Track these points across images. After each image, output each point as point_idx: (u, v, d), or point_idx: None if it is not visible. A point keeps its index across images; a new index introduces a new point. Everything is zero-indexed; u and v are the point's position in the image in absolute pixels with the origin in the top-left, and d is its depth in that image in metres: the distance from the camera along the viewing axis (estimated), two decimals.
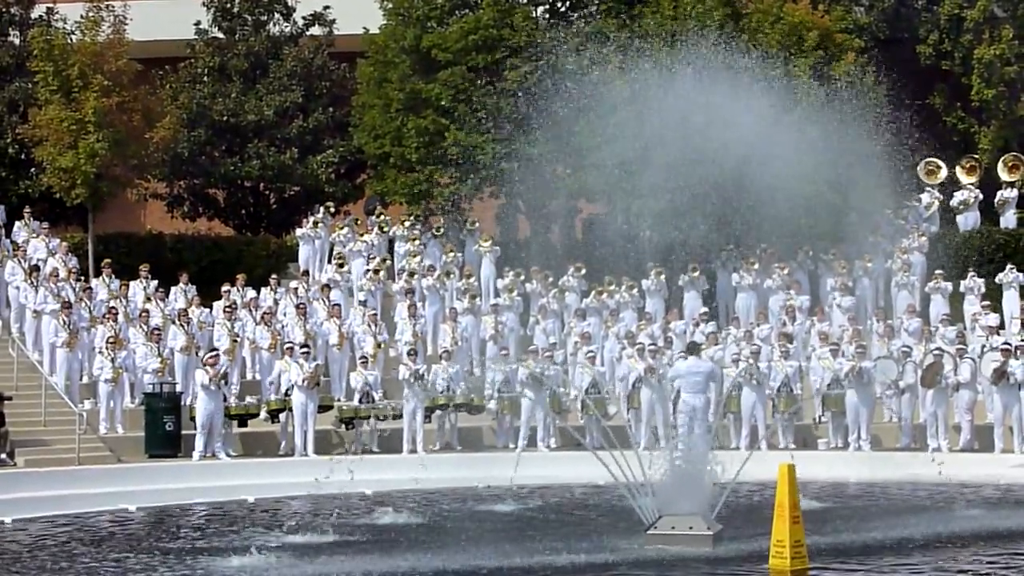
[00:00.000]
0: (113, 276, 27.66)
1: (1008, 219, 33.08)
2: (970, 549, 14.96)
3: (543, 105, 28.84)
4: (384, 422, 24.78)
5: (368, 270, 29.66)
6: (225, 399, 23.87)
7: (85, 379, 25.37)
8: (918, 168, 33.16)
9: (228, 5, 36.35)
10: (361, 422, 24.71)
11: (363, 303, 28.16)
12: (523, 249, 31.72)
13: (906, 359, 24.89)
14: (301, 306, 27.09)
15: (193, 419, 23.75)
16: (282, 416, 24.56)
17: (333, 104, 35.98)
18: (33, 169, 32.14)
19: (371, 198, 35.19)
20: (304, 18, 36.98)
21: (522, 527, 17.17)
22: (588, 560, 14.22)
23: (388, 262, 30.57)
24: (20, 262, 27.24)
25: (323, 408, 24.63)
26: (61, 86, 29.91)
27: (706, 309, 28.82)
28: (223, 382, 23.77)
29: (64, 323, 25.12)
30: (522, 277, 29.64)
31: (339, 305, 27.72)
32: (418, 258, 30.22)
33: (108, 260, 28.51)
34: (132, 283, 27.54)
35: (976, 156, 35.00)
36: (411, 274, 29.40)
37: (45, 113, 30.04)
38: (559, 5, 33.98)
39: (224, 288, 27.82)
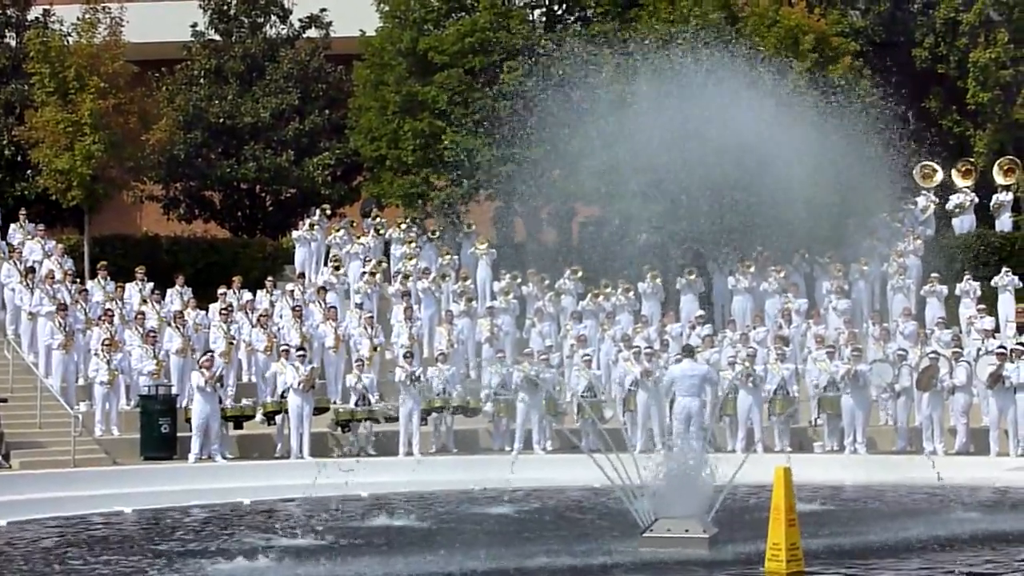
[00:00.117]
0: (108, 278, 27.62)
1: (1004, 222, 33.12)
2: (966, 552, 14.96)
3: (539, 108, 28.84)
4: (380, 424, 24.78)
5: (364, 273, 29.65)
6: (221, 401, 23.86)
7: (81, 381, 25.35)
8: (914, 171, 33.20)
9: (225, 7, 36.37)
10: (357, 424, 24.70)
11: (359, 306, 28.16)
12: (519, 252, 31.71)
13: (902, 362, 24.91)
14: (297, 308, 27.08)
15: (188, 421, 23.74)
16: (278, 418, 24.55)
17: (329, 106, 36.00)
18: (29, 171, 32.15)
19: (366, 200, 35.17)
20: (300, 20, 36.99)
21: (518, 530, 17.16)
22: (584, 563, 14.22)
23: (384, 265, 30.57)
24: (16, 264, 27.20)
25: (319, 410, 24.63)
26: (57, 88, 29.91)
27: (702, 312, 28.83)
28: (218, 384, 23.76)
29: (60, 325, 25.09)
30: (518, 280, 29.64)
31: (335, 307, 27.72)
32: (414, 261, 30.21)
33: (104, 262, 28.47)
34: (128, 285, 27.50)
35: (972, 159, 35.05)
36: (406, 277, 29.39)
37: (41, 115, 30.02)
38: (555, 8, 34.00)
39: (220, 290, 27.82)
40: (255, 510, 19.74)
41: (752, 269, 29.74)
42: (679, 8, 31.54)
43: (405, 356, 25.47)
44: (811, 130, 24.45)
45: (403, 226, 31.56)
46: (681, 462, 15.72)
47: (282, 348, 25.21)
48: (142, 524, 18.39)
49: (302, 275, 29.75)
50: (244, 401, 24.69)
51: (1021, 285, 28.92)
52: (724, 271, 30.35)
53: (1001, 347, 24.49)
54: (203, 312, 27.13)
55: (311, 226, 31.18)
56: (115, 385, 24.57)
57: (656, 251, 30.11)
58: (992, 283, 29.04)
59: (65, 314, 25.24)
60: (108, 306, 26.15)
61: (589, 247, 32.07)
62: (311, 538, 16.36)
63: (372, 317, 27.56)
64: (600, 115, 28.65)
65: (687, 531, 14.70)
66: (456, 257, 31.19)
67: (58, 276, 26.73)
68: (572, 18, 33.92)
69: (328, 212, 32.28)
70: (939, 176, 33.91)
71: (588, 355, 26.22)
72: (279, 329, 26.77)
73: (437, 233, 31.85)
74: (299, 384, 24.02)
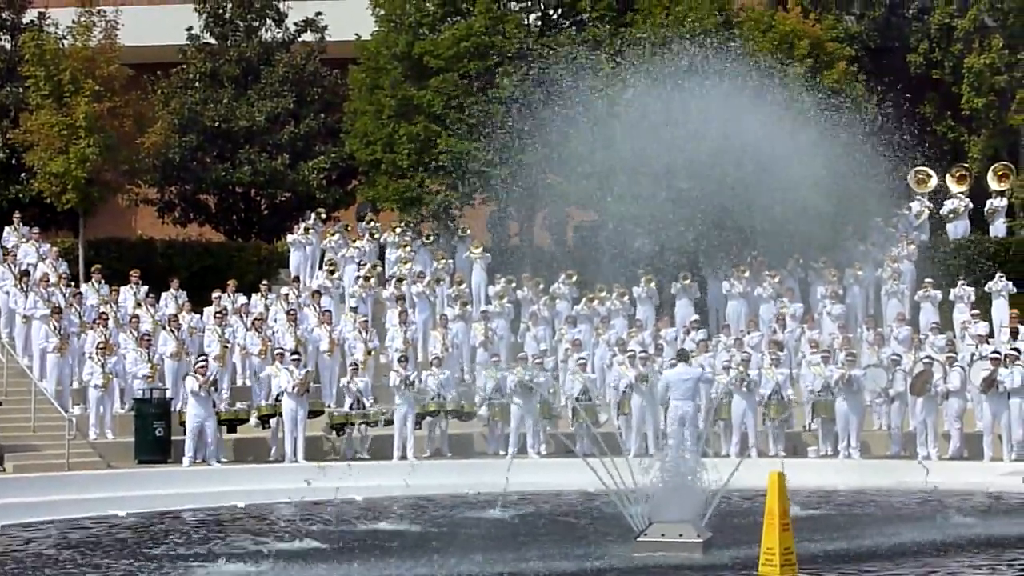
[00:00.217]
0: (103, 281, 27.61)
1: (998, 228, 33.15)
2: (960, 557, 14.98)
3: (535, 112, 28.87)
4: (374, 428, 24.77)
5: (359, 276, 29.64)
6: (215, 405, 23.85)
7: (75, 384, 25.32)
8: (908, 177, 33.22)
9: (220, 11, 36.33)
10: (352, 428, 24.69)
11: (354, 309, 28.15)
12: (514, 256, 31.72)
13: (896, 367, 24.93)
14: (292, 312, 27.08)
15: (183, 425, 23.72)
16: (272, 422, 24.54)
17: (325, 110, 35.97)
18: (24, 174, 32.09)
19: (361, 204, 35.18)
20: (296, 24, 36.95)
21: (512, 534, 17.16)
22: (578, 567, 14.24)
23: (379, 269, 30.56)
24: (10, 267, 27.18)
25: (314, 413, 24.62)
26: (52, 91, 29.89)
27: (696, 317, 28.85)
28: (213, 388, 23.75)
29: (55, 328, 25.08)
30: (513, 284, 29.65)
31: (330, 311, 27.70)
32: (408, 265, 30.21)
33: (98, 265, 28.46)
34: (122, 289, 27.49)
35: (966, 165, 35.10)
36: (400, 280, 29.39)
37: (36, 118, 30.01)
38: (551, 13, 34.01)
39: (215, 294, 27.80)
40: (249, 514, 19.73)
41: (747, 274, 29.76)
42: (674, 13, 31.56)
43: (399, 360, 25.47)
44: (806, 135, 24.51)
45: (398, 230, 31.56)
46: (675, 466, 15.73)
47: (276, 352, 25.20)
48: (135, 528, 18.37)
49: (297, 279, 29.73)
50: (238, 405, 24.68)
51: (1015, 290, 28.95)
52: (719, 276, 30.35)
53: (995, 352, 24.51)
54: (198, 316, 27.10)
55: (306, 230, 31.18)
56: (109, 388, 24.55)
57: (651, 256, 30.11)
58: (986, 288, 29.07)
59: (60, 317, 25.22)
60: (103, 309, 26.12)
61: (584, 251, 32.10)
62: (305, 542, 16.35)
63: (367, 321, 27.55)
64: (595, 119, 28.68)
65: (681, 535, 14.73)
66: (451, 261, 31.19)
67: (53, 279, 26.70)
68: (567, 22, 33.91)
69: (323, 216, 32.27)
70: (933, 181, 33.94)
71: (583, 359, 26.21)
72: (274, 333, 26.75)
73: (431, 237, 31.85)
74: (293, 388, 24.02)
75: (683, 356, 22.22)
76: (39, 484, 21.26)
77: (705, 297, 30.36)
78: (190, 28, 36.25)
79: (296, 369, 24.31)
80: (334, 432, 24.79)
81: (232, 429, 24.48)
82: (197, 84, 35.59)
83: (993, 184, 33.95)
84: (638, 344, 26.56)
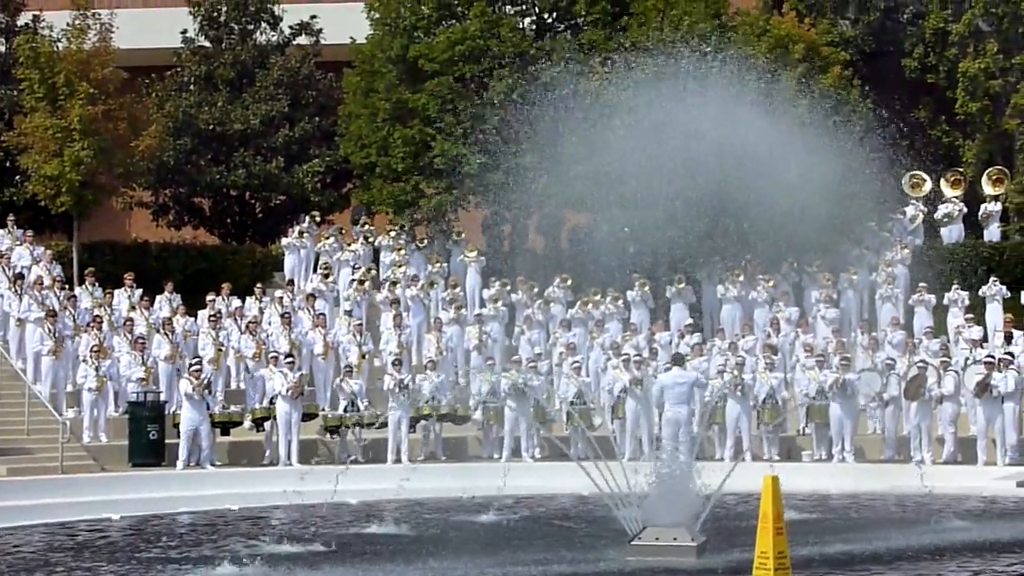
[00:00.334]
0: (96, 284, 27.61)
1: (992, 232, 33.19)
2: (954, 561, 14.98)
3: (529, 116, 28.87)
4: (368, 431, 24.75)
5: (353, 280, 29.63)
6: (209, 408, 23.82)
7: (69, 388, 25.30)
8: (903, 181, 33.26)
9: (215, 14, 36.32)
10: (346, 431, 24.68)
11: (348, 313, 28.14)
12: (509, 259, 31.71)
13: (890, 371, 24.93)
14: (286, 315, 27.06)
15: (177, 428, 23.71)
16: (267, 425, 24.53)
17: (319, 113, 35.97)
18: (18, 177, 32.07)
19: (356, 208, 35.19)
20: (291, 27, 36.96)
21: (506, 537, 17.15)
22: (572, 571, 14.22)
23: (373, 272, 30.55)
24: (4, 270, 27.16)
25: (308, 416, 24.60)
26: (47, 94, 29.87)
27: (691, 320, 28.85)
28: (207, 391, 23.72)
29: (49, 331, 25.05)
30: (507, 287, 29.65)
31: (324, 315, 27.69)
32: (403, 268, 30.20)
33: (91, 268, 28.44)
34: (117, 291, 27.49)
35: (961, 169, 35.13)
36: (394, 284, 29.38)
37: (30, 120, 29.99)
38: (546, 16, 34.01)
39: (209, 297, 27.77)
40: (243, 517, 19.71)
41: (741, 278, 29.77)
42: (669, 17, 31.57)
43: (394, 363, 25.46)
44: (800, 139, 24.52)
45: (392, 233, 31.55)
46: (669, 470, 15.72)
47: (271, 355, 25.19)
48: (128, 531, 18.34)
49: (291, 282, 29.71)
50: (232, 408, 24.66)
51: (1009, 295, 28.96)
52: (713, 280, 30.36)
53: (989, 356, 24.52)
54: (192, 319, 27.11)
55: (300, 233, 31.16)
56: (103, 392, 24.55)
57: (645, 259, 30.12)
58: (980, 293, 29.09)
59: (55, 320, 25.20)
60: (97, 312, 26.10)
61: (578, 255, 32.10)
62: (298, 545, 16.32)
63: (361, 324, 27.55)
64: (589, 123, 28.69)
65: (675, 539, 14.70)
66: (445, 264, 31.18)
67: (47, 282, 26.69)
68: (562, 26, 33.91)
69: (318, 219, 32.25)
70: (928, 186, 33.98)
71: (577, 363, 26.22)
72: (268, 336, 26.74)
73: (425, 241, 31.84)
74: (287, 391, 24.01)
75: (678, 360, 22.19)
76: (33, 487, 21.23)
77: (700, 301, 30.37)
78: (185, 31, 36.24)
79: (290, 372, 24.30)
80: (328, 435, 24.77)
81: (226, 432, 24.48)
82: (192, 87, 35.59)
83: (987, 188, 33.99)
84: (632, 348, 26.55)
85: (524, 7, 33.83)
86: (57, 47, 30.65)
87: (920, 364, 24.59)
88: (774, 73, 28.76)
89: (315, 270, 30.25)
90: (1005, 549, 15.78)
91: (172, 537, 17.68)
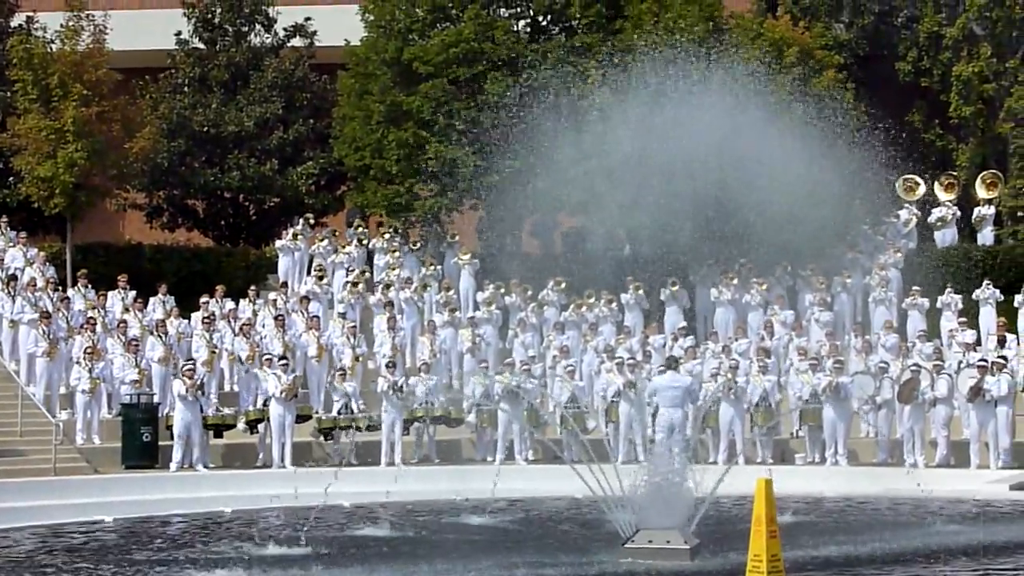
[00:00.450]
0: (89, 286, 27.57)
1: (985, 236, 33.23)
2: (947, 564, 14.99)
3: (524, 118, 28.87)
4: (362, 433, 24.73)
5: (347, 282, 29.62)
6: (202, 410, 23.80)
7: (62, 389, 25.26)
8: (896, 184, 33.30)
9: (209, 16, 36.32)
10: (340, 433, 24.66)
11: (342, 315, 28.13)
12: (502, 262, 31.71)
13: (883, 374, 24.95)
14: (280, 318, 27.04)
15: (170, 429, 23.69)
16: (260, 427, 24.51)
17: (314, 116, 35.97)
18: (11, 178, 32.04)
19: (351, 210, 35.20)
20: (285, 29, 36.96)
21: (500, 540, 17.15)
22: (565, 574, 14.21)
23: (367, 274, 30.54)
24: None
25: (302, 418, 24.59)
26: (40, 95, 29.87)
27: (684, 323, 28.86)
28: (200, 393, 23.70)
29: (44, 333, 25.02)
30: (501, 290, 29.64)
31: (318, 317, 27.68)
32: (396, 271, 30.19)
33: (84, 270, 28.42)
34: (110, 293, 27.45)
35: (954, 173, 35.19)
36: (388, 286, 29.37)
37: (24, 122, 29.98)
38: (541, 19, 34.03)
39: (203, 299, 27.74)
40: (236, 519, 19.69)
41: (735, 281, 29.80)
42: (664, 20, 31.59)
43: (387, 366, 25.45)
44: (794, 143, 24.55)
45: (386, 236, 31.55)
46: (663, 473, 15.73)
47: (265, 357, 25.17)
48: (121, 533, 18.32)
49: (285, 284, 29.69)
50: (225, 411, 24.63)
51: (1002, 298, 29.02)
52: (707, 283, 30.39)
53: (982, 360, 24.55)
54: (186, 321, 27.09)
55: (295, 235, 31.16)
56: (97, 393, 24.51)
57: (639, 262, 30.14)
58: (973, 296, 29.13)
59: (49, 322, 25.17)
60: (90, 314, 26.07)
61: (572, 258, 32.11)
62: (291, 547, 16.30)
63: (355, 327, 27.53)
64: (584, 126, 28.70)
65: (668, 542, 14.71)
66: (439, 267, 31.18)
67: (40, 284, 26.65)
68: (557, 29, 33.92)
69: (312, 221, 32.25)
70: (922, 189, 34.04)
71: (571, 366, 26.20)
72: (262, 338, 26.72)
73: (418, 244, 31.84)
74: (281, 393, 23.99)
75: (672, 364, 22.21)
76: (26, 489, 21.19)
77: (694, 304, 30.39)
78: (179, 33, 36.24)
79: (284, 374, 24.28)
80: (322, 437, 24.76)
81: (218, 435, 24.43)
82: (186, 89, 35.59)
83: (981, 192, 34.04)
84: (626, 351, 26.57)
85: (518, 10, 33.84)
86: (51, 48, 30.65)
87: (913, 367, 24.62)
88: (768, 76, 28.81)
89: (309, 272, 30.24)
90: (998, 552, 15.79)
91: (165, 539, 17.65)
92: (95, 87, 29.93)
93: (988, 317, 28.60)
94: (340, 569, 14.62)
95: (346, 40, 34.41)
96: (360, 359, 26.84)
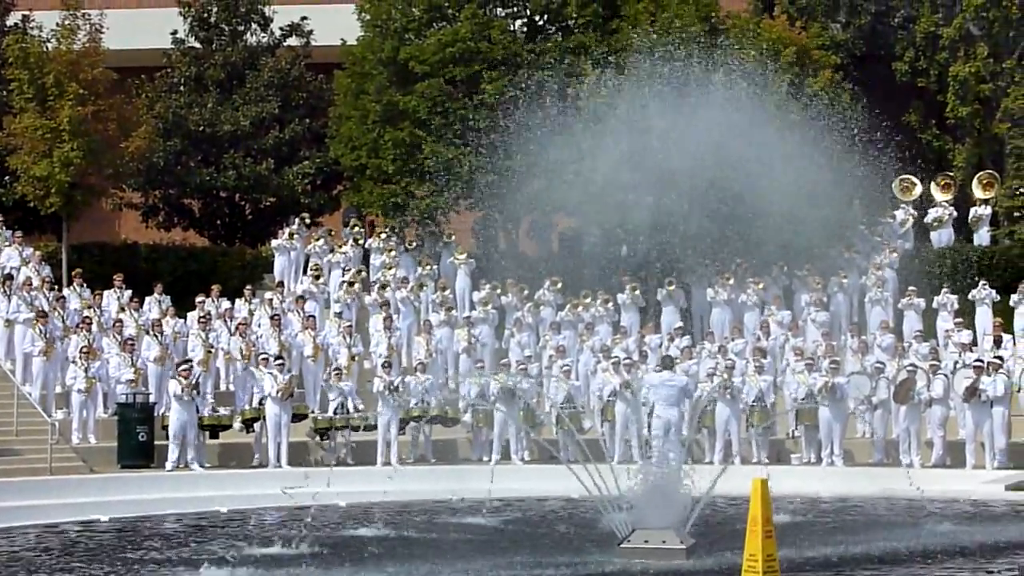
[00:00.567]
0: (84, 285, 27.55)
1: (982, 236, 33.22)
2: (943, 564, 14.99)
3: (520, 118, 28.86)
4: (357, 433, 24.72)
5: (343, 282, 29.61)
6: (198, 410, 23.78)
7: (58, 389, 25.24)
8: (893, 185, 33.29)
9: (205, 15, 36.30)
10: (336, 433, 24.64)
11: (338, 315, 28.12)
12: (498, 262, 31.71)
13: (879, 375, 24.95)
14: (276, 317, 27.02)
15: (166, 428, 23.67)
16: (256, 426, 24.49)
17: (310, 115, 35.96)
18: (7, 177, 31.99)
19: (347, 210, 35.17)
20: (281, 29, 36.95)
21: (495, 540, 17.14)
22: (560, 574, 14.20)
23: (363, 274, 30.53)
24: None
25: (297, 417, 24.57)
26: (36, 94, 29.82)
27: (680, 323, 28.86)
28: (196, 393, 23.67)
29: (40, 332, 24.99)
30: (497, 290, 29.64)
31: (314, 317, 27.66)
32: (393, 270, 30.18)
33: (79, 270, 28.39)
34: (106, 293, 27.42)
35: (951, 173, 35.19)
36: (384, 286, 29.35)
37: (20, 121, 29.93)
38: (537, 19, 34.02)
39: (199, 299, 27.72)
40: (232, 519, 19.67)
41: (731, 281, 29.80)
42: (661, 20, 31.59)
43: (383, 366, 25.44)
44: (791, 143, 24.56)
45: (383, 235, 31.53)
46: (659, 473, 15.72)
47: (261, 357, 25.15)
48: (116, 532, 18.30)
49: (281, 284, 29.67)
50: (221, 410, 24.61)
51: (998, 299, 29.02)
52: (703, 283, 30.38)
53: (978, 360, 24.55)
54: (181, 320, 27.05)
55: (291, 235, 31.15)
56: (92, 393, 24.49)
57: (636, 262, 30.12)
58: (969, 296, 29.13)
59: (45, 321, 25.14)
60: (86, 314, 26.05)
61: (569, 257, 32.09)
62: (287, 547, 16.29)
63: (351, 326, 27.52)
64: (580, 126, 28.70)
65: (664, 542, 14.71)
66: (435, 267, 31.17)
67: (36, 283, 26.63)
68: (553, 29, 33.92)
69: (308, 221, 32.23)
70: (918, 189, 34.03)
71: (567, 366, 26.20)
72: (258, 338, 26.70)
73: (413, 244, 31.82)
74: (277, 393, 23.97)
75: (667, 363, 22.20)
76: (21, 488, 21.16)
77: (690, 304, 30.38)
78: (175, 32, 36.21)
79: (280, 374, 24.26)
80: (318, 436, 24.74)
81: (214, 434, 24.41)
82: (182, 88, 35.56)
83: (977, 192, 34.03)
84: (622, 351, 26.56)
85: (515, 9, 33.84)
86: (47, 47, 30.59)
87: (909, 368, 24.61)
88: (765, 76, 28.81)
89: (305, 272, 30.22)
90: (994, 553, 15.79)
91: (159, 539, 17.63)
92: (91, 86, 29.89)
93: (984, 317, 28.60)
94: (335, 569, 14.60)
95: (342, 39, 34.40)
96: (356, 359, 26.81)
